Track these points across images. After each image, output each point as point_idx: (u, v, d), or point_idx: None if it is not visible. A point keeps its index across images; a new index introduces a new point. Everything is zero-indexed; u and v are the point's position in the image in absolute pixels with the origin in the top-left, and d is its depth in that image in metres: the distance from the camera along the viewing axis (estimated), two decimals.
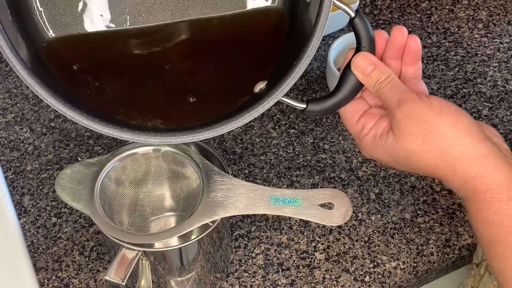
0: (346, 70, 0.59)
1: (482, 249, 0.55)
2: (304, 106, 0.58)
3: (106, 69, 0.61)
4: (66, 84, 0.58)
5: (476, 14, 1.00)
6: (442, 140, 0.53)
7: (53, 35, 0.61)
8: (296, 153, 0.84)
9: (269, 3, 0.63)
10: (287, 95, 0.56)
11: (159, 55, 0.62)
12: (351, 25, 0.58)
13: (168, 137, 0.56)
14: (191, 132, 0.56)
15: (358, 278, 0.73)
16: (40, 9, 0.60)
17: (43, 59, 0.59)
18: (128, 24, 0.61)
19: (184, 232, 0.60)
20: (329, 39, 0.97)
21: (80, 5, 0.60)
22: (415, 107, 0.54)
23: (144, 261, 0.62)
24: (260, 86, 0.59)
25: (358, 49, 0.59)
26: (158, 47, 0.62)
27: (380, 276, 0.73)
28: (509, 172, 0.53)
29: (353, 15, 0.58)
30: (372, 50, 0.58)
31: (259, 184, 0.69)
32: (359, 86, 0.59)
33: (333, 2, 0.55)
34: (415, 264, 0.74)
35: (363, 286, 0.73)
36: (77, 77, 0.59)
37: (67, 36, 0.61)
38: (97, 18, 0.61)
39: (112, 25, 0.61)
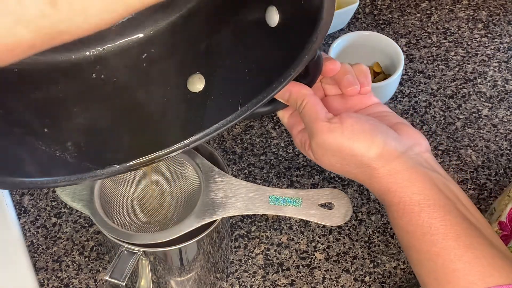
0: None
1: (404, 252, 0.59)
2: None
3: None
4: None
5: (476, 14, 1.00)
6: (358, 163, 0.56)
7: None
8: (296, 153, 0.84)
9: None
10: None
11: None
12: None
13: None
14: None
15: (358, 278, 0.73)
16: None
17: None
18: None
19: (184, 232, 0.60)
20: (329, 39, 0.97)
21: None
22: (326, 138, 0.56)
23: (144, 261, 0.62)
24: (198, 85, 0.55)
25: (302, 78, 0.59)
26: None
27: (380, 276, 0.73)
28: (422, 184, 0.55)
29: (317, 53, 0.57)
30: (311, 84, 0.60)
31: (259, 184, 0.69)
32: None
33: None
34: None
35: (363, 286, 0.73)
36: None
37: None
38: None
39: None
